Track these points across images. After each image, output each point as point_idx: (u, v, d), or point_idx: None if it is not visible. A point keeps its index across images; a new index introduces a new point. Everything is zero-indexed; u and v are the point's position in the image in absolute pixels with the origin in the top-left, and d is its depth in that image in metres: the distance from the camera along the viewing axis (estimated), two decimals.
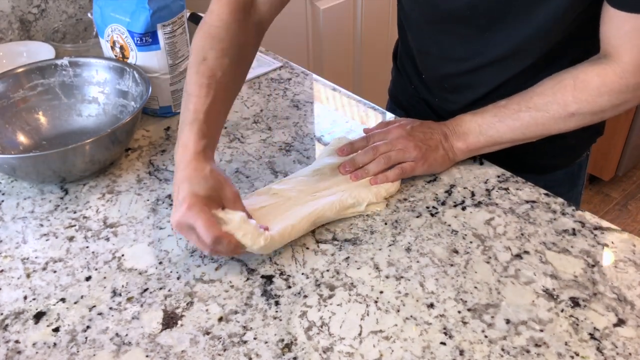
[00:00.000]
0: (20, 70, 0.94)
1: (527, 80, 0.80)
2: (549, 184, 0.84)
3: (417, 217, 0.77)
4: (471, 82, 0.87)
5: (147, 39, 0.92)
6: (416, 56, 0.95)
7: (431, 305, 0.66)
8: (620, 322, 0.63)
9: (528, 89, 0.78)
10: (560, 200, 0.79)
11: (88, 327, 0.64)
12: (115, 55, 0.96)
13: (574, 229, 0.75)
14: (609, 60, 0.72)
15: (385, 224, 0.76)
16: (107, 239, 0.76)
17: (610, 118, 0.79)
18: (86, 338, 0.63)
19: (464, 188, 0.82)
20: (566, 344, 0.61)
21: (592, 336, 0.62)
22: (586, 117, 0.76)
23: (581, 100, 0.74)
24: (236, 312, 0.65)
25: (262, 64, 1.15)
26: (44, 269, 0.72)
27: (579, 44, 0.80)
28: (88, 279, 0.70)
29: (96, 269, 0.71)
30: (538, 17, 0.75)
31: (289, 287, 0.68)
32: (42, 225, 0.78)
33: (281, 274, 0.70)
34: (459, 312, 0.65)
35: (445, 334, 0.63)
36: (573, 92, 0.74)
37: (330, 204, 0.75)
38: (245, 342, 0.62)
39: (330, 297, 0.67)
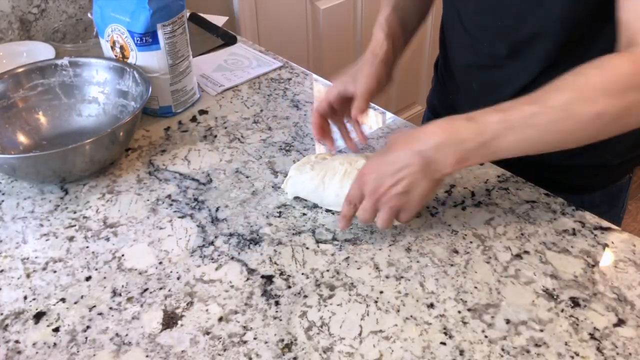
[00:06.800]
0: (20, 70, 0.94)
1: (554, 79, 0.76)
2: (584, 204, 0.79)
3: (417, 217, 0.77)
4: (496, 78, 0.84)
5: (147, 39, 0.92)
6: (448, 51, 0.95)
7: (431, 305, 0.66)
8: (620, 322, 0.63)
9: (543, 87, 0.64)
10: (560, 200, 0.79)
11: (88, 327, 0.64)
12: (115, 55, 0.96)
13: (574, 229, 0.75)
14: (637, 46, 0.62)
15: None
16: (107, 239, 0.76)
17: None
18: (86, 338, 0.63)
19: (464, 188, 0.82)
20: (566, 344, 0.61)
21: (592, 336, 0.62)
22: (613, 118, 0.62)
23: (610, 92, 0.61)
24: (236, 312, 0.65)
25: (262, 64, 1.15)
26: (44, 269, 0.72)
27: (604, 40, 0.72)
28: (88, 279, 0.70)
29: (96, 269, 0.71)
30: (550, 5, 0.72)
31: (289, 287, 0.68)
32: (42, 225, 0.78)
33: (281, 274, 0.70)
34: (459, 312, 0.65)
35: (445, 334, 0.63)
36: (601, 79, 0.61)
37: None
38: (245, 342, 0.62)
39: (330, 297, 0.67)
